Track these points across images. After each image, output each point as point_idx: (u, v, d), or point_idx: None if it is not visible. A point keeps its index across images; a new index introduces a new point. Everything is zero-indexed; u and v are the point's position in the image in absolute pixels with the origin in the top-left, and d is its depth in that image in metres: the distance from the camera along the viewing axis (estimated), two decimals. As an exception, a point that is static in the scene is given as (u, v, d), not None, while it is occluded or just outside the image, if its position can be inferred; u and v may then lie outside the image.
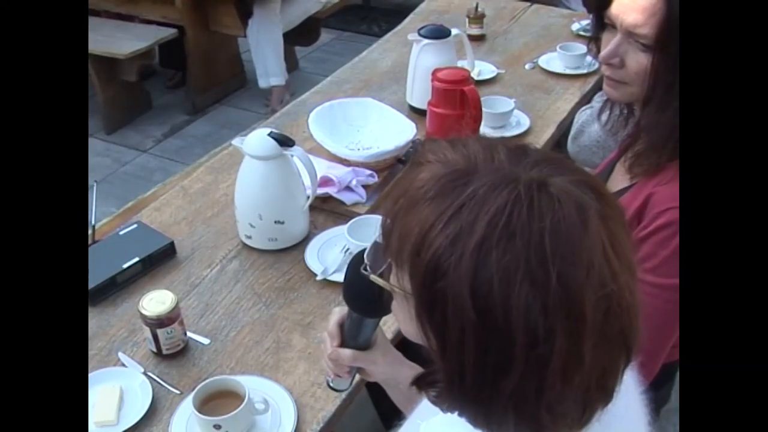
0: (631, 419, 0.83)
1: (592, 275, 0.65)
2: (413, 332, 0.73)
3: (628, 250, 0.70)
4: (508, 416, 0.69)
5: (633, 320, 0.70)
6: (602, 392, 0.71)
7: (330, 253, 1.62)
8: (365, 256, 0.83)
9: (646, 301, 0.72)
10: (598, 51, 1.26)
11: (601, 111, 1.39)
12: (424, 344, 0.71)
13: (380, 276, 0.79)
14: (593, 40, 1.32)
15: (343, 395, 1.31)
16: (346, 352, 1.05)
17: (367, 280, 0.81)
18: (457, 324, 0.66)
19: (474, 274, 0.64)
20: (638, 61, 1.18)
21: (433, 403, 0.76)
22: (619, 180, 1.31)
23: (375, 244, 0.82)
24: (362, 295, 0.96)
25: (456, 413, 0.74)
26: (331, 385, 1.13)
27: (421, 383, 0.79)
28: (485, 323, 0.65)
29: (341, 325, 1.05)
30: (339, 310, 1.06)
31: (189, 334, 1.43)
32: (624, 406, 0.77)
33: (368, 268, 0.82)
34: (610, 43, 1.20)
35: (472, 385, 0.68)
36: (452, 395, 0.72)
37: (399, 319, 0.80)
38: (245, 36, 4.08)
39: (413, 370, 1.05)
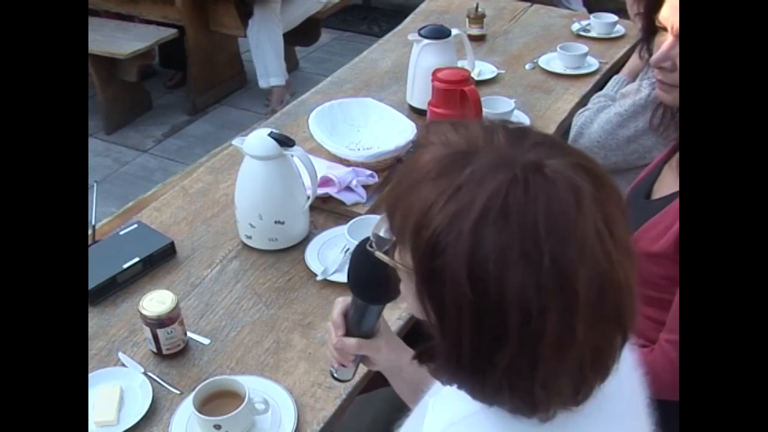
0: (630, 399, 0.84)
1: (585, 254, 0.66)
2: (418, 310, 0.75)
3: (625, 232, 0.71)
4: (503, 390, 0.71)
5: (627, 300, 0.71)
6: (598, 370, 0.73)
7: (330, 253, 1.62)
8: (371, 233, 0.85)
9: None
10: (650, 55, 1.25)
11: (653, 115, 1.38)
12: (424, 319, 0.73)
13: (385, 254, 0.81)
14: (643, 43, 1.31)
15: (344, 395, 1.31)
16: (351, 341, 1.06)
17: (371, 265, 0.83)
18: (454, 300, 0.68)
19: (471, 252, 0.66)
20: None
21: (433, 375, 0.79)
22: (668, 183, 1.30)
23: (380, 222, 0.83)
24: (367, 281, 0.96)
25: (455, 386, 0.76)
26: (335, 375, 1.14)
27: (422, 357, 0.81)
28: (481, 299, 0.67)
29: (345, 315, 1.06)
30: (342, 300, 1.07)
31: (189, 334, 1.43)
32: (624, 386, 0.79)
33: (373, 245, 0.84)
34: (661, 46, 1.19)
35: (469, 360, 0.71)
36: (449, 369, 0.74)
37: (406, 297, 0.81)
38: (245, 36, 4.08)
39: None
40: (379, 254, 0.82)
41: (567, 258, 0.66)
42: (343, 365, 1.10)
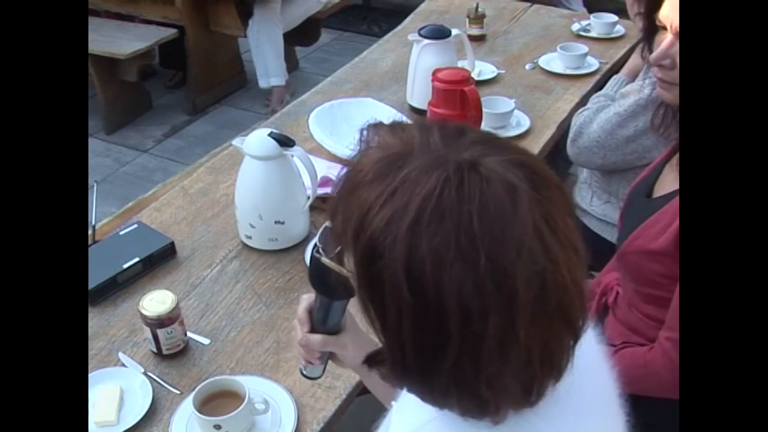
0: (593, 393, 0.83)
1: (522, 253, 0.66)
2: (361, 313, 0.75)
3: (568, 227, 0.70)
4: (451, 392, 0.71)
5: (574, 297, 0.70)
6: (548, 368, 0.72)
7: (330, 253, 1.62)
8: (317, 239, 0.85)
9: None
10: (651, 53, 1.26)
11: (654, 115, 1.38)
12: (368, 324, 0.73)
13: (336, 260, 0.80)
14: (644, 43, 1.31)
15: (344, 395, 1.31)
16: (316, 337, 1.05)
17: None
18: (394, 304, 0.68)
19: (408, 255, 0.66)
20: None
21: (383, 379, 0.78)
22: (669, 182, 1.31)
23: (325, 228, 0.83)
24: (325, 277, 0.95)
25: (405, 389, 0.76)
26: (305, 372, 1.13)
27: (371, 361, 0.81)
28: (420, 303, 0.66)
29: (310, 312, 1.05)
30: (307, 297, 1.06)
31: (189, 334, 1.43)
32: (585, 381, 0.78)
33: (321, 251, 0.84)
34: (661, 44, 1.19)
35: (413, 363, 0.71)
36: (395, 372, 0.74)
37: None
38: (245, 36, 4.08)
39: None
40: (325, 260, 0.82)
41: (504, 257, 0.65)
42: (311, 362, 1.10)
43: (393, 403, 0.87)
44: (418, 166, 0.68)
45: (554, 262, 0.67)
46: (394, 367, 0.73)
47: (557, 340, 0.71)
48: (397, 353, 0.71)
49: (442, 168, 0.67)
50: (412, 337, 0.69)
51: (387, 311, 0.69)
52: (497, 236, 0.65)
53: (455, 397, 0.72)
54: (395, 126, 0.75)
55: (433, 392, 0.73)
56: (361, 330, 1.09)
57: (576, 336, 0.73)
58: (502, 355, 0.68)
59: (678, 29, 1.15)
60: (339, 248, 0.78)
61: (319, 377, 1.14)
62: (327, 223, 0.82)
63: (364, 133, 0.75)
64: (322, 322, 1.04)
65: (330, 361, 1.12)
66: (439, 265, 0.65)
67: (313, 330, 1.05)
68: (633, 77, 2.01)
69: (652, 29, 1.25)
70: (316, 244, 0.86)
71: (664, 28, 1.19)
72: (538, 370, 0.71)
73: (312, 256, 0.95)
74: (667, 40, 1.18)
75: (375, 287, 0.69)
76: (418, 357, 0.70)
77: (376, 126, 0.76)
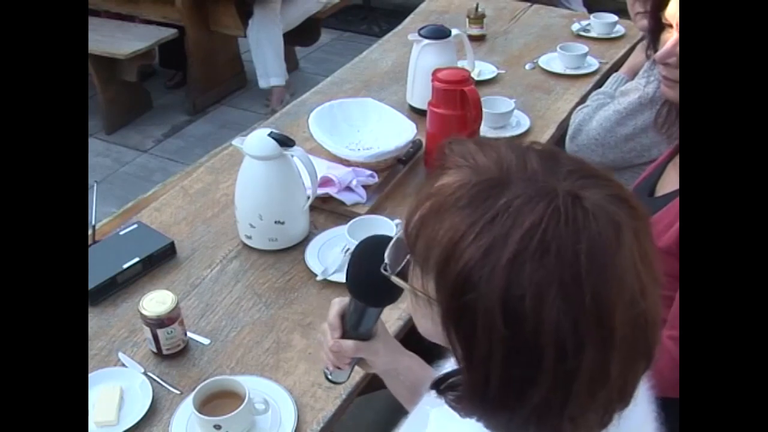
0: (640, 416, 0.83)
1: (623, 291, 0.65)
2: (433, 333, 0.73)
3: (654, 259, 0.69)
4: (530, 425, 0.69)
5: (656, 332, 0.70)
6: (621, 399, 0.72)
7: (330, 253, 1.62)
8: (386, 255, 0.81)
9: None
10: (656, 52, 1.26)
11: (657, 113, 1.38)
12: (449, 349, 0.71)
13: (399, 275, 0.78)
14: (649, 41, 1.32)
15: (344, 395, 1.31)
16: (349, 343, 1.03)
17: (372, 267, 0.81)
18: (486, 336, 0.65)
19: (506, 288, 0.63)
20: None
21: (451, 407, 0.75)
22: (672, 180, 1.31)
23: (397, 243, 0.80)
24: (367, 283, 0.94)
25: (474, 419, 0.73)
26: (330, 377, 1.11)
27: (440, 386, 0.77)
28: (515, 337, 0.64)
29: (342, 316, 1.04)
30: (339, 301, 1.05)
31: (189, 334, 1.43)
32: (633, 405, 0.77)
33: (388, 268, 0.80)
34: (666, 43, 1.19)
35: (496, 396, 0.68)
36: (474, 403, 0.71)
37: (416, 317, 0.79)
38: (245, 36, 4.08)
39: (412, 359, 1.06)
40: (395, 279, 0.78)
41: (606, 296, 0.64)
42: (339, 368, 1.08)
43: (427, 407, 0.84)
44: (520, 195, 0.65)
45: (647, 301, 0.67)
46: (472, 397, 0.70)
47: (635, 373, 0.71)
48: (480, 383, 0.68)
49: (547, 199, 0.64)
50: (500, 370, 0.66)
51: (476, 342, 0.66)
52: (602, 275, 0.64)
53: (533, 430, 0.70)
54: (484, 145, 0.71)
55: (510, 423, 0.70)
56: (390, 335, 1.08)
57: (648, 367, 0.73)
58: (590, 393, 0.67)
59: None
60: (403, 264, 0.75)
61: (345, 382, 1.13)
62: (397, 237, 0.80)
63: (448, 148, 0.72)
64: (355, 327, 1.03)
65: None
66: (539, 300, 0.63)
67: (344, 335, 1.04)
68: (633, 75, 2.01)
69: (657, 27, 1.25)
70: (370, 251, 0.83)
71: (670, 26, 1.20)
72: (615, 401, 0.70)
73: (358, 256, 0.93)
74: (672, 39, 1.19)
75: (465, 317, 0.66)
76: (503, 390, 0.67)
77: (460, 142, 0.73)
